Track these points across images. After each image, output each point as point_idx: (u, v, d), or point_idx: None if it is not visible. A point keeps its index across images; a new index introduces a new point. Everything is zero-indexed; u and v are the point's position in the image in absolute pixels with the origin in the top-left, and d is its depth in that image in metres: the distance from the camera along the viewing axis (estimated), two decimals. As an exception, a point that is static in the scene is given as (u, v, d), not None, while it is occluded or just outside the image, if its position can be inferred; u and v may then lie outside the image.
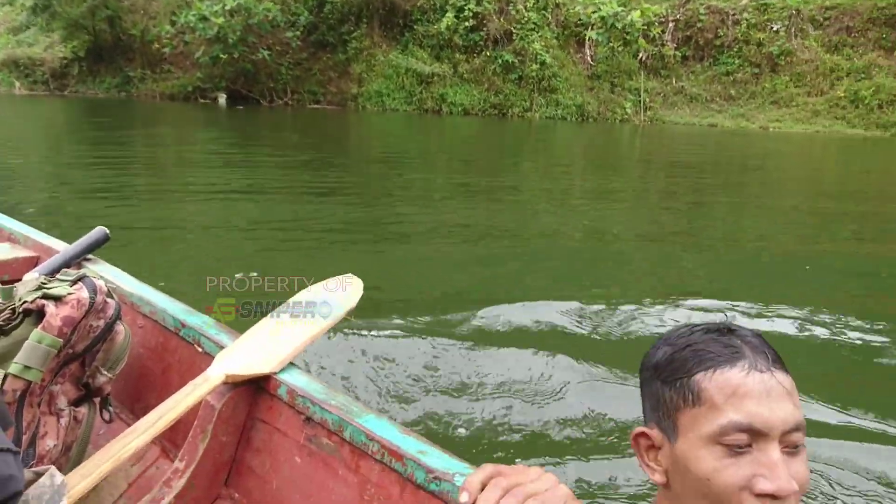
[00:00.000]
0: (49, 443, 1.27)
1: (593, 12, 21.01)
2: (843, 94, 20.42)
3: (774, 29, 21.29)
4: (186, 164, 9.18)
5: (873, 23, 21.35)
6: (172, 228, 5.16)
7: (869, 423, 2.36)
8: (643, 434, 0.80)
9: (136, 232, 4.72)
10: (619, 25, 20.55)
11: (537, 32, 20.88)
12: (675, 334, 0.81)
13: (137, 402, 1.53)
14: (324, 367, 2.44)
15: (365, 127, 17.30)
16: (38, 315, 1.24)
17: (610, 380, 2.53)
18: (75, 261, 1.75)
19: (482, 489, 0.71)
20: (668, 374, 0.77)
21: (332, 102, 21.20)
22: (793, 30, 21.24)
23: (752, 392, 0.70)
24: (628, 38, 20.87)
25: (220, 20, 19.27)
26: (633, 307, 3.35)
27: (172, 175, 8.22)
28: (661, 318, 3.23)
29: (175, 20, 21.33)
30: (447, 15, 20.29)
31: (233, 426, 1.21)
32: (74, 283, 1.32)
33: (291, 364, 1.24)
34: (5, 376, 1.17)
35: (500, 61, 20.66)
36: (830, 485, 1.94)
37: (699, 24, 21.49)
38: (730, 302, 3.53)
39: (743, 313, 3.36)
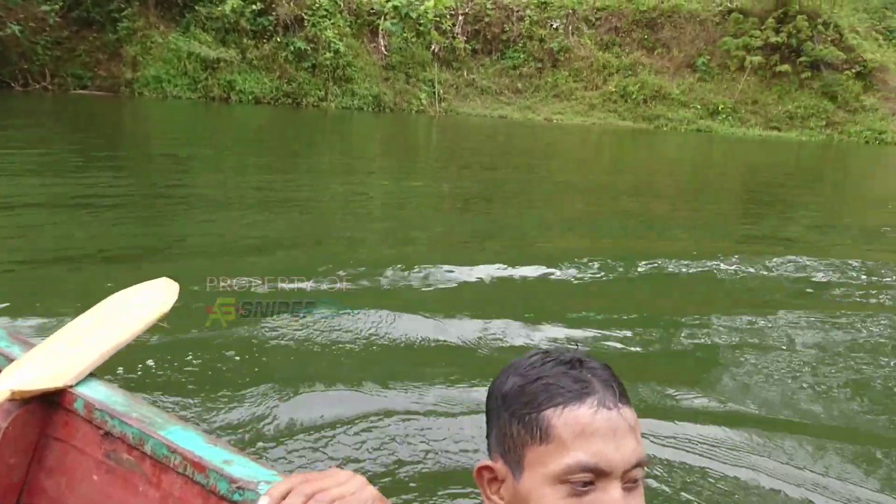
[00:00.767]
0: None
1: (387, 1, 23.27)
2: (614, 90, 24.85)
3: (554, 26, 25.25)
4: None
5: (637, 24, 26.21)
6: None
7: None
8: (487, 467, 0.90)
9: None
10: (413, 16, 23.03)
11: (330, 20, 22.61)
12: (527, 364, 0.88)
13: None
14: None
15: (142, 116, 17.67)
16: None
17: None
18: None
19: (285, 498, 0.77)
20: (518, 408, 0.85)
21: (103, 88, 21.08)
22: (570, 28, 25.38)
23: (599, 431, 0.80)
24: (421, 28, 23.46)
25: (-45, -12, 18.44)
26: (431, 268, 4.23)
27: None
28: (463, 279, 4.11)
29: None
30: (232, -4, 21.22)
31: (22, 446, 1.21)
32: None
33: (92, 375, 1.24)
34: None
35: (291, 48, 22.04)
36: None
37: (487, 19, 24.79)
38: (522, 266, 4.45)
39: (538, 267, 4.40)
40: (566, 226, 6.57)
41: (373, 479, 1.25)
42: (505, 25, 24.98)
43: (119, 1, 21.04)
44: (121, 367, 2.52)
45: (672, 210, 7.88)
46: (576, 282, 4.28)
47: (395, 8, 23.09)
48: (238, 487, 0.95)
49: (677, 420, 2.46)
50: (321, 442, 2.22)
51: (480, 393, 2.08)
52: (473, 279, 4.16)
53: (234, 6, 21.22)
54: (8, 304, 3.21)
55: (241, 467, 0.98)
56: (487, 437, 0.93)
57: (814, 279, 4.71)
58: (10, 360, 1.29)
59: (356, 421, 2.34)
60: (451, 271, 4.22)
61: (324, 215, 6.21)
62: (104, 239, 4.83)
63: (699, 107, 24.69)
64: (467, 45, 24.49)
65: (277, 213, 6.09)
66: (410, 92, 23.12)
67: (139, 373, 2.58)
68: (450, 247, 5.18)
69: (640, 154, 17.41)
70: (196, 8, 21.68)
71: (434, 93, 23.31)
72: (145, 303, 1.44)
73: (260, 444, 2.20)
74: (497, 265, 4.47)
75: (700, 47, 26.14)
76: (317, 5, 22.44)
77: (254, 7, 21.58)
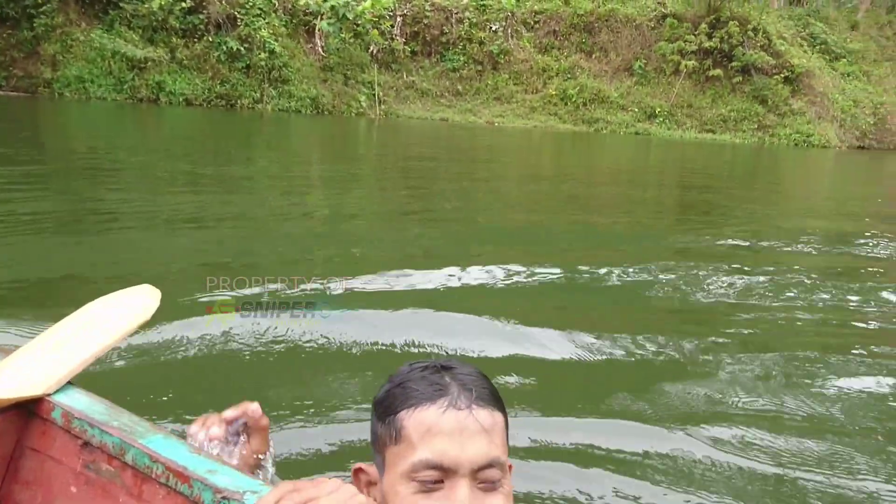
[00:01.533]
0: None
1: (324, 1, 23.00)
2: (554, 93, 25.26)
3: (493, 29, 25.50)
4: None
5: (575, 28, 26.74)
6: None
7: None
8: (362, 470, 0.96)
9: None
10: (350, 16, 22.83)
11: (264, 19, 22.19)
12: (398, 371, 0.95)
13: None
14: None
15: (63, 119, 16.93)
16: None
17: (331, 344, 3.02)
18: None
19: None
20: (381, 412, 0.92)
21: (19, 88, 20.09)
22: (509, 31, 25.67)
23: (444, 430, 0.85)
24: (359, 29, 23.29)
25: None
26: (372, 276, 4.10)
27: None
28: (401, 285, 3.98)
29: None
30: (160, -7, 20.60)
31: None
32: None
33: (70, 384, 1.21)
34: None
35: (224, 48, 21.52)
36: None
37: (425, 21, 24.81)
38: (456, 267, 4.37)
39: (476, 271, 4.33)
40: (508, 233, 6.45)
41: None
42: (444, 27, 25.07)
43: (35, -4, 20.11)
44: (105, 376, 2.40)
45: (612, 220, 7.99)
46: (511, 287, 4.23)
47: (332, 8, 22.84)
48: (223, 498, 0.92)
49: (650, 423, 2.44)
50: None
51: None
52: (415, 286, 4.07)
53: (162, 3, 20.59)
54: None
55: (225, 477, 0.96)
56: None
57: (746, 275, 4.83)
58: None
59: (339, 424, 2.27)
60: (395, 278, 4.12)
61: (261, 230, 5.78)
62: (12, 268, 4.04)
63: (637, 110, 25.34)
64: (406, 47, 24.46)
65: (214, 227, 5.72)
66: (349, 94, 22.92)
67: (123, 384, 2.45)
68: (393, 254, 5.07)
69: (581, 157, 17.72)
70: (121, 5, 20.94)
71: (374, 95, 23.16)
72: (126, 310, 1.42)
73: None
74: (442, 271, 4.38)
75: (637, 51, 26.86)
76: (250, 4, 22.01)
77: (183, 5, 20.98)
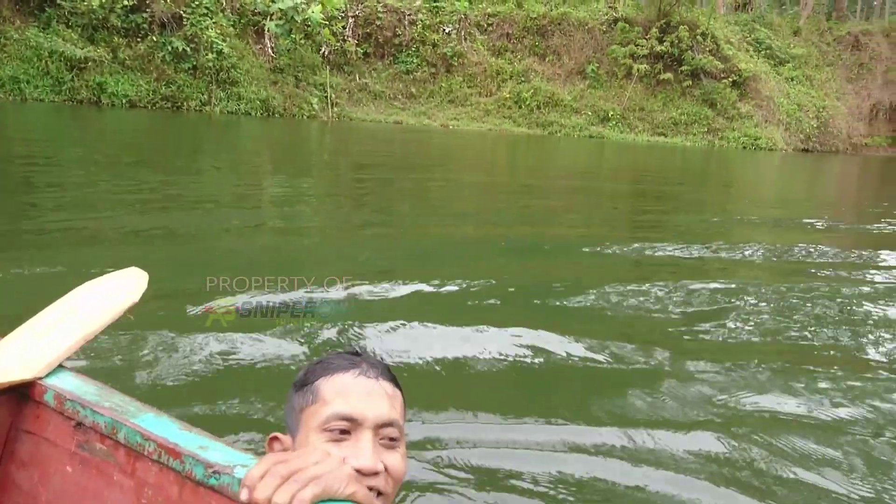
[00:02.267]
0: None
1: (272, 1, 22.65)
2: (508, 96, 25.45)
3: (447, 31, 25.56)
4: None
5: (528, 31, 27.02)
6: None
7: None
8: (276, 438, 1.10)
9: None
10: (299, 18, 22.53)
11: (211, 18, 21.76)
12: (318, 359, 1.12)
13: None
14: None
15: (-3, 120, 16.23)
16: None
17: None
18: None
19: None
20: (300, 384, 1.07)
21: (-53, 89, 19.25)
22: (462, 33, 25.77)
23: (356, 391, 1.02)
24: (310, 30, 23.01)
25: None
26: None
27: None
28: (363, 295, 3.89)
29: None
30: (100, -10, 19.99)
31: None
32: None
33: (61, 367, 1.25)
34: None
35: (169, 48, 20.99)
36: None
37: (378, 22, 24.72)
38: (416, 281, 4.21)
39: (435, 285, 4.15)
40: (461, 249, 6.25)
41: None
42: (397, 29, 25.02)
43: (-35, -8, 19.30)
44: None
45: (568, 225, 8.03)
46: (465, 295, 4.13)
47: (281, 10, 22.52)
48: (214, 472, 0.95)
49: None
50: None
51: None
52: (371, 298, 3.95)
53: (103, 1, 19.98)
54: None
55: (216, 452, 0.99)
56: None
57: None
58: None
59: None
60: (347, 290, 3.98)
61: (206, 245, 5.36)
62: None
63: (590, 113, 25.73)
64: (359, 49, 24.31)
65: (154, 240, 5.28)
66: (301, 96, 22.63)
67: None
68: (343, 266, 4.90)
69: (537, 160, 17.85)
70: (58, 2, 20.24)
71: (326, 97, 22.93)
72: (114, 293, 1.45)
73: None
74: (398, 283, 4.25)
75: (589, 55, 27.29)
76: (196, 3, 21.54)
77: (125, 3, 20.39)
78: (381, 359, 1.15)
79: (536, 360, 3.01)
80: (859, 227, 8.08)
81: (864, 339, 3.52)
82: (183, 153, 12.70)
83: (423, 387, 2.66)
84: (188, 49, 21.09)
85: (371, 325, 3.31)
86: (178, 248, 5.19)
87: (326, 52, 23.48)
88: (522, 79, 26.07)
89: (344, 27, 24.06)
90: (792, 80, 30.35)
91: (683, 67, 26.71)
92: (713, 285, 4.33)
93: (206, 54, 21.16)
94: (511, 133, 24.06)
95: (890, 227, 7.84)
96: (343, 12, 24.08)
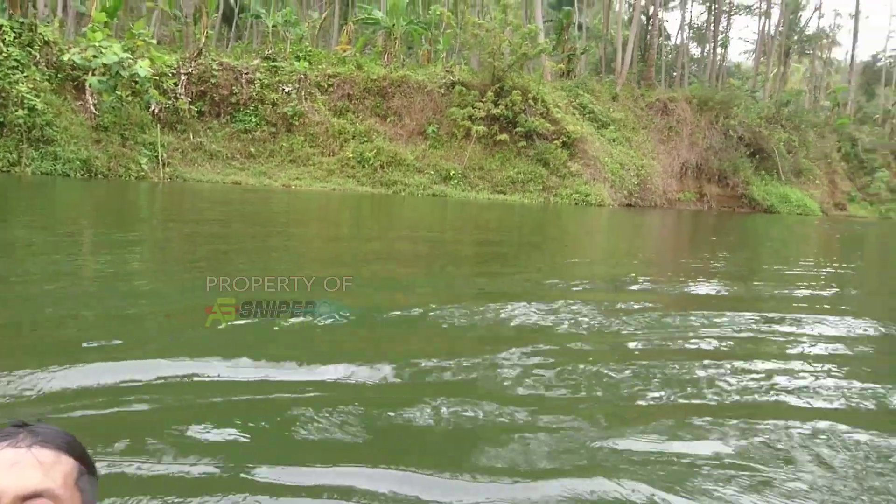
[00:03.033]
0: None
1: (94, 56, 21.30)
2: (351, 155, 25.55)
3: (286, 91, 25.36)
4: None
5: (368, 92, 27.49)
6: None
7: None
8: None
9: None
10: (125, 74, 21.36)
11: (22, 72, 20.06)
12: None
13: None
14: None
15: None
16: None
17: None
18: None
19: None
20: None
21: None
22: (303, 93, 25.69)
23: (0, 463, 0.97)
24: (137, 87, 21.85)
25: None
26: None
27: None
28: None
29: None
30: None
31: None
32: None
33: None
34: None
35: (-30, 103, 19.03)
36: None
37: (213, 80, 24.04)
38: None
39: None
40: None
41: None
42: (234, 87, 24.46)
43: None
44: None
45: (415, 271, 8.06)
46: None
47: (105, 65, 21.22)
48: None
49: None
50: None
51: None
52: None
53: None
54: None
55: None
56: None
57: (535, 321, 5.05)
58: None
59: None
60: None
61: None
62: None
63: (433, 172, 26.42)
64: (193, 107, 23.40)
65: None
66: (128, 156, 21.26)
67: None
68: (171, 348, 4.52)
69: (381, 218, 17.90)
70: None
71: (156, 157, 21.71)
72: None
73: None
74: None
75: (429, 116, 28.21)
76: (4, 55, 19.76)
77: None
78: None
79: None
80: (676, 283, 8.77)
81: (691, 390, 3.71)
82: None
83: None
84: (-7, 105, 19.22)
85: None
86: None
87: (157, 110, 22.35)
88: (365, 138, 26.35)
89: (176, 84, 23.13)
90: (614, 141, 33.16)
91: (518, 129, 28.34)
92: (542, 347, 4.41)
93: (16, 110, 19.38)
94: (355, 192, 24.07)
95: (699, 282, 8.60)
96: (175, 69, 23.18)
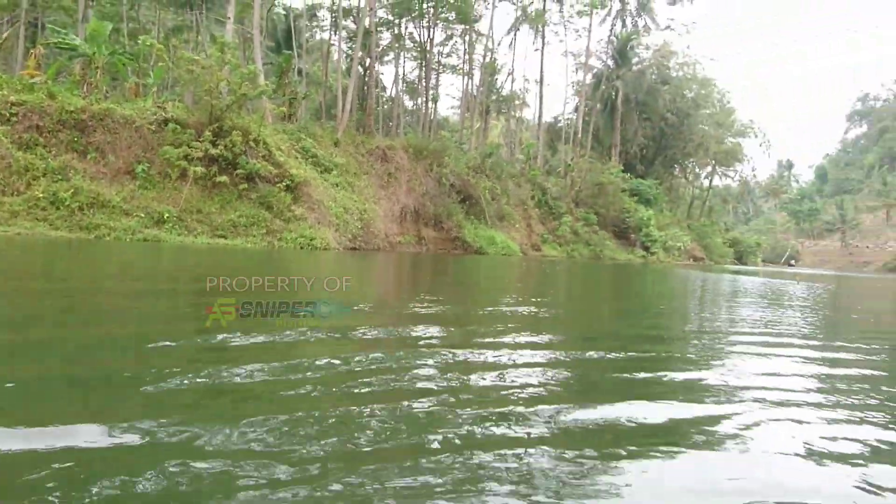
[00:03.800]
0: None
1: None
2: (42, 195, 22.33)
3: (-47, 118, 21.45)
4: None
5: (64, 125, 24.47)
6: None
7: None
8: None
9: None
10: None
11: None
12: None
13: None
14: None
15: None
16: None
17: None
18: None
19: None
20: None
21: None
22: (-24, 122, 21.94)
23: None
24: None
25: None
26: None
27: None
28: None
29: None
30: None
31: None
32: None
33: None
34: None
35: None
36: None
37: None
38: None
39: None
40: None
41: None
42: None
43: None
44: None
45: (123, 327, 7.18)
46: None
47: None
48: None
49: None
50: None
51: None
52: None
53: None
54: None
55: None
56: None
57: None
58: None
59: None
60: None
61: None
62: None
63: (143, 215, 24.22)
64: None
65: None
66: None
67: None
68: None
69: (81, 268, 15.82)
70: None
71: None
72: None
73: None
74: None
75: (139, 154, 25.97)
76: None
77: None
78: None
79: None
80: (400, 326, 9.06)
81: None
82: None
83: None
84: None
85: None
86: None
87: None
88: (60, 176, 23.27)
89: None
90: (337, 185, 33.76)
91: (239, 171, 27.39)
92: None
93: None
94: (48, 237, 21.02)
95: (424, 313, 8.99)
96: None
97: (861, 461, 3.34)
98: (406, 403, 3.98)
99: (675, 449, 3.35)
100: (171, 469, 2.77)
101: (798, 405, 4.45)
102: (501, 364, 5.41)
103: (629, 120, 66.62)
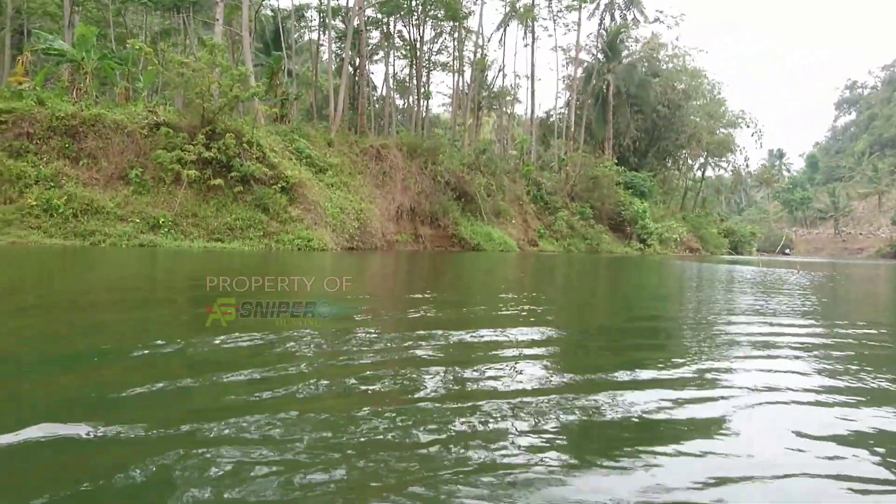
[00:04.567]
0: None
1: None
2: (35, 203, 22.05)
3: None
4: None
5: (54, 131, 24.18)
6: None
7: None
8: None
9: None
10: None
11: None
12: None
13: None
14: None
15: None
16: None
17: None
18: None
19: None
20: None
21: None
22: (-34, 130, 21.64)
23: None
24: None
25: None
26: None
27: None
28: None
29: None
30: None
31: None
32: None
33: None
34: None
35: None
36: None
37: None
38: None
39: None
40: None
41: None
42: None
43: None
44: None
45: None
46: None
47: None
48: None
49: None
50: None
51: None
52: None
53: None
54: None
55: None
56: None
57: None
58: None
59: None
60: None
61: None
62: None
63: (138, 220, 23.97)
64: None
65: None
66: None
67: None
68: None
69: (79, 275, 15.58)
70: None
71: None
72: None
73: None
74: None
75: (132, 159, 25.69)
76: None
77: None
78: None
79: None
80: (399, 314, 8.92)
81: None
82: None
83: None
84: None
85: None
86: None
87: None
88: (52, 184, 22.99)
89: None
90: (332, 185, 33.53)
91: (233, 173, 27.14)
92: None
93: None
94: (42, 245, 20.75)
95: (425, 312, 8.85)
96: None
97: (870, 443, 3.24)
98: (409, 397, 3.87)
99: (679, 439, 3.26)
100: (165, 462, 2.61)
101: (832, 392, 4.33)
102: (503, 356, 5.30)
103: (621, 113, 66.61)
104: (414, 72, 56.76)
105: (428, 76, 59.88)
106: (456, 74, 58.69)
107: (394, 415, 3.46)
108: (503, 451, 2.96)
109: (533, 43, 58.24)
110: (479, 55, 58.26)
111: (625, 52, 68.21)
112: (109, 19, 44.86)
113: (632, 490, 2.57)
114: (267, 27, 51.72)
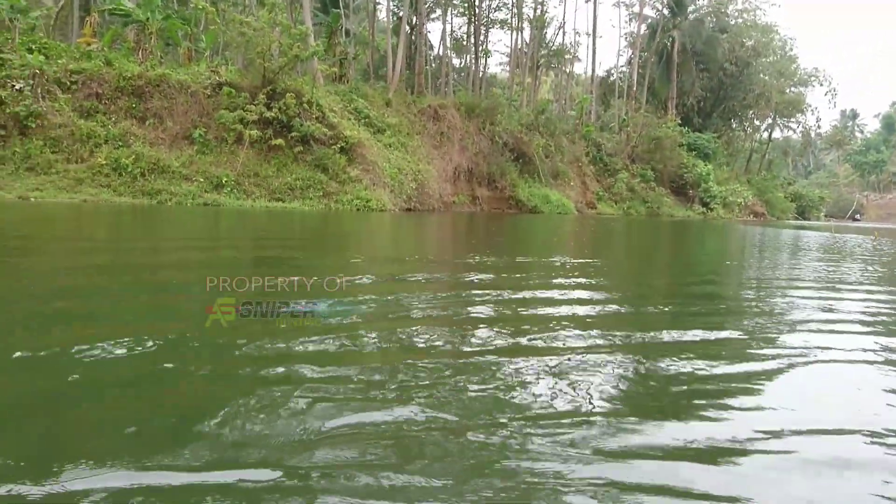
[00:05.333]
0: None
1: None
2: (104, 162, 22.63)
3: (17, 88, 21.77)
4: None
5: (122, 92, 24.64)
6: None
7: None
8: None
9: None
10: None
11: None
12: None
13: None
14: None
15: None
16: None
17: None
18: None
19: None
20: None
21: None
22: (39, 90, 22.23)
23: None
24: None
25: None
26: None
27: None
28: None
29: None
30: None
31: None
32: None
33: None
34: None
35: None
36: None
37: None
38: None
39: None
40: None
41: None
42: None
43: None
44: None
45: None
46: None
47: None
48: None
49: None
50: None
51: None
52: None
53: None
54: None
55: None
56: None
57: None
58: None
59: None
60: None
61: None
62: None
63: (202, 180, 24.39)
64: None
65: None
66: None
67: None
68: None
69: (145, 230, 15.93)
70: None
71: None
72: None
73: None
74: None
75: (195, 119, 26.06)
76: None
77: None
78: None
79: None
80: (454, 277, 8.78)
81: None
82: None
83: None
84: None
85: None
86: None
87: None
88: (121, 143, 23.53)
89: None
90: (390, 146, 33.41)
91: (293, 133, 27.28)
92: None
93: None
94: (112, 203, 21.33)
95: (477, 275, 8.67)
96: None
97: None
98: (461, 361, 3.88)
99: (732, 395, 3.45)
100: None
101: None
102: (570, 317, 5.41)
103: (686, 71, 64.16)
104: (472, 30, 55.70)
105: (486, 34, 58.73)
106: (514, 32, 57.37)
107: (465, 366, 3.64)
108: (562, 401, 3.14)
109: (595, -2, 56.33)
110: (538, 12, 56.75)
111: (691, 7, 65.41)
112: (171, -21, 45.24)
113: (701, 437, 2.79)
114: (325, -15, 51.35)
